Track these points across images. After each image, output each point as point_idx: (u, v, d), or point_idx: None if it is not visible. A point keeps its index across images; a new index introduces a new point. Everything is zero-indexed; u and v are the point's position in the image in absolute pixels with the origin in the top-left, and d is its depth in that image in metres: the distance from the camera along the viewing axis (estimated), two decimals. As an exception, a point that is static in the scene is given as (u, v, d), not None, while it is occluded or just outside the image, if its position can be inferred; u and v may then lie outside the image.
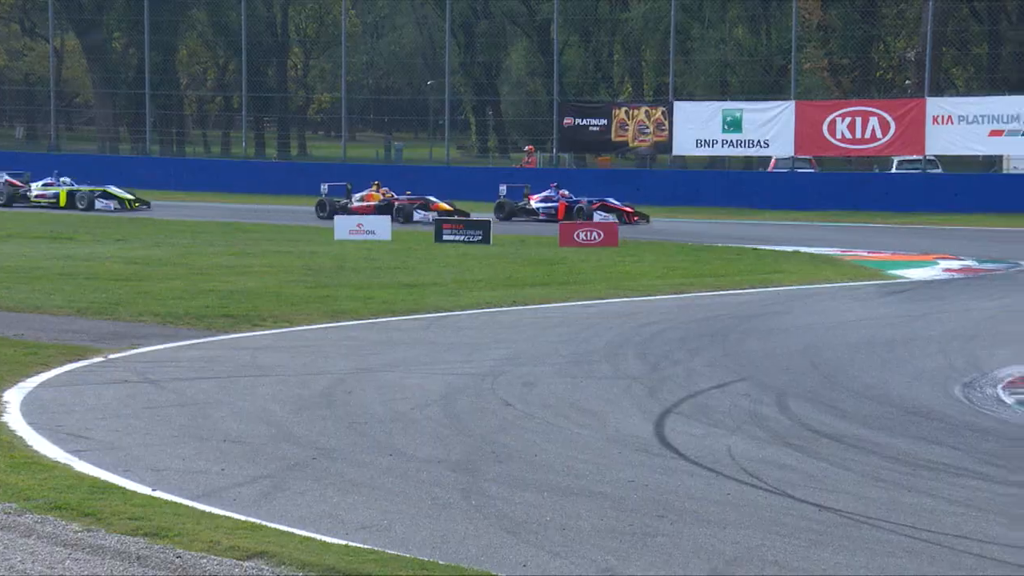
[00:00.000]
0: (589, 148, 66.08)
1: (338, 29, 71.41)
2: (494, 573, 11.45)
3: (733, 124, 60.53)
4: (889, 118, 58.15)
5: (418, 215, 52.31)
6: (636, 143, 63.39)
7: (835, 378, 20.77)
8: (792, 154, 59.78)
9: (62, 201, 58.72)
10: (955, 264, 37.54)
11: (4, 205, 60.27)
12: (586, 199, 51.40)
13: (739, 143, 60.76)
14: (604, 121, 64.23)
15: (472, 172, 66.80)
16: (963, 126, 57.16)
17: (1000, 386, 20.15)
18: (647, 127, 62.69)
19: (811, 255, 40.34)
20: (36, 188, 60.73)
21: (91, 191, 58.72)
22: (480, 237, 43.98)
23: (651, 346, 23.78)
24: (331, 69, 75.97)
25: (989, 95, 60.29)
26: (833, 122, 58.79)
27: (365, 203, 52.91)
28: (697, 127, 61.22)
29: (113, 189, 59.02)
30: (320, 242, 43.84)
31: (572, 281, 33.30)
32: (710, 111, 61.65)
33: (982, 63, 68.74)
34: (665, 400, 19.11)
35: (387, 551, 12.09)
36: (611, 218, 48.19)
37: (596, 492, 14.31)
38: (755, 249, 42.23)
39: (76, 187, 59.51)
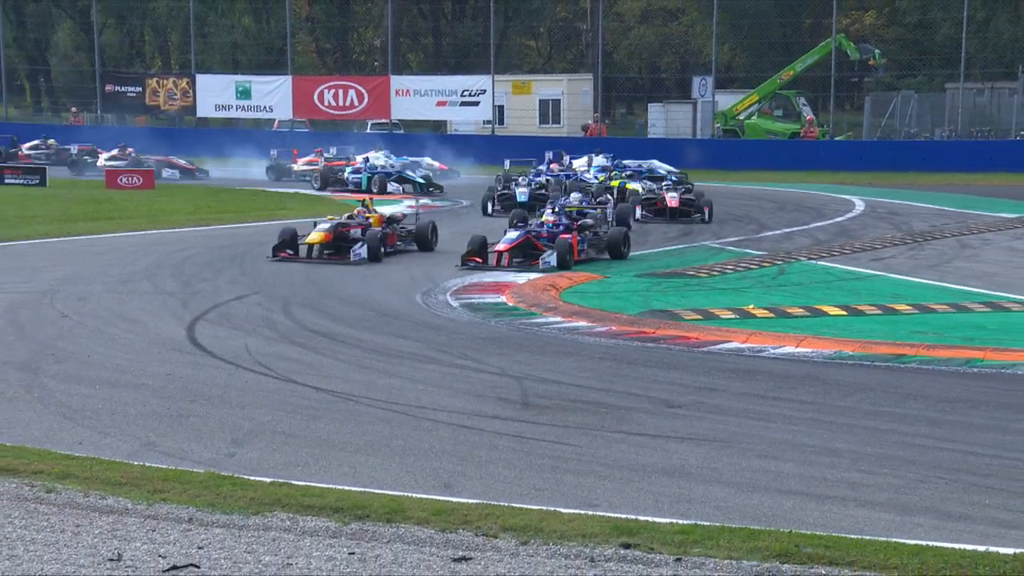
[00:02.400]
0: (128, 110, 64.23)
1: None
2: (53, 450, 11.03)
3: (244, 93, 60.01)
4: (363, 90, 58.71)
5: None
6: (166, 106, 62.28)
7: (327, 290, 20.81)
8: (291, 117, 59.79)
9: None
10: (418, 202, 37.87)
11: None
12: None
13: (250, 108, 60.44)
14: (139, 88, 62.83)
15: (23, 127, 63.64)
16: (418, 98, 58.29)
17: (448, 293, 20.59)
18: (175, 94, 61.60)
19: (308, 195, 40.18)
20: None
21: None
22: (38, 181, 41.90)
23: (183, 268, 23.31)
24: None
25: (435, 75, 61.73)
26: (321, 93, 58.98)
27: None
28: (215, 95, 60.44)
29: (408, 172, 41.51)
30: None
31: (117, 217, 32.24)
32: (225, 82, 60.86)
33: (429, 50, 70.12)
34: (195, 310, 18.78)
35: (-39, 437, 11.54)
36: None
37: (140, 384, 13.95)
38: (265, 191, 41.83)
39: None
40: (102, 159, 47.38)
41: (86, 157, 48.70)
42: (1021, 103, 50.14)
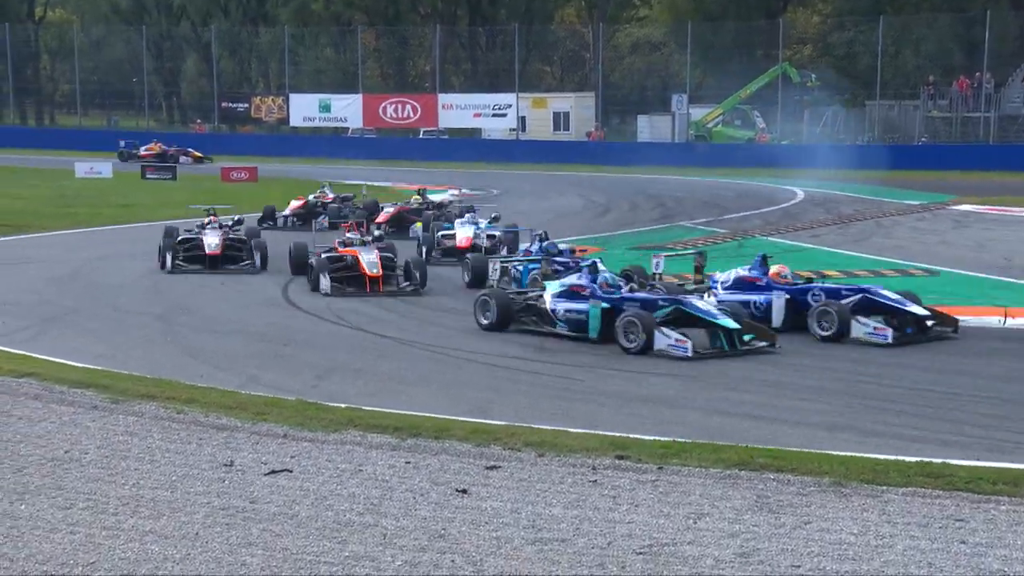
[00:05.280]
0: (238, 121, 64.04)
1: (72, 45, 67.93)
2: (182, 381, 11.05)
3: (325, 107, 59.67)
4: (418, 105, 58.43)
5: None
6: (267, 118, 62.07)
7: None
8: (362, 126, 59.47)
9: None
10: (455, 190, 37.37)
11: None
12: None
13: (329, 119, 60.12)
14: (247, 105, 62.65)
15: (161, 135, 63.53)
16: (458, 111, 58.02)
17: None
18: (273, 108, 61.41)
19: (382, 187, 39.62)
20: None
21: None
22: (171, 176, 41.77)
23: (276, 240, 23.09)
24: (68, 71, 71.70)
25: (471, 92, 61.40)
26: (385, 107, 58.61)
27: None
28: (304, 109, 60.05)
29: None
30: (66, 178, 40.81)
31: (231, 202, 32.02)
32: (311, 99, 60.43)
33: (468, 73, 69.89)
34: (288, 275, 18.57)
35: (114, 370, 11.59)
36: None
37: (247, 331, 14.00)
38: (331, 181, 41.30)
39: None
40: None
41: None
42: (922, 116, 49.69)
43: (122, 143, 50.22)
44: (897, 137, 50.47)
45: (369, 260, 16.78)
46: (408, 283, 16.90)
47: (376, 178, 42.33)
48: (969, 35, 52.56)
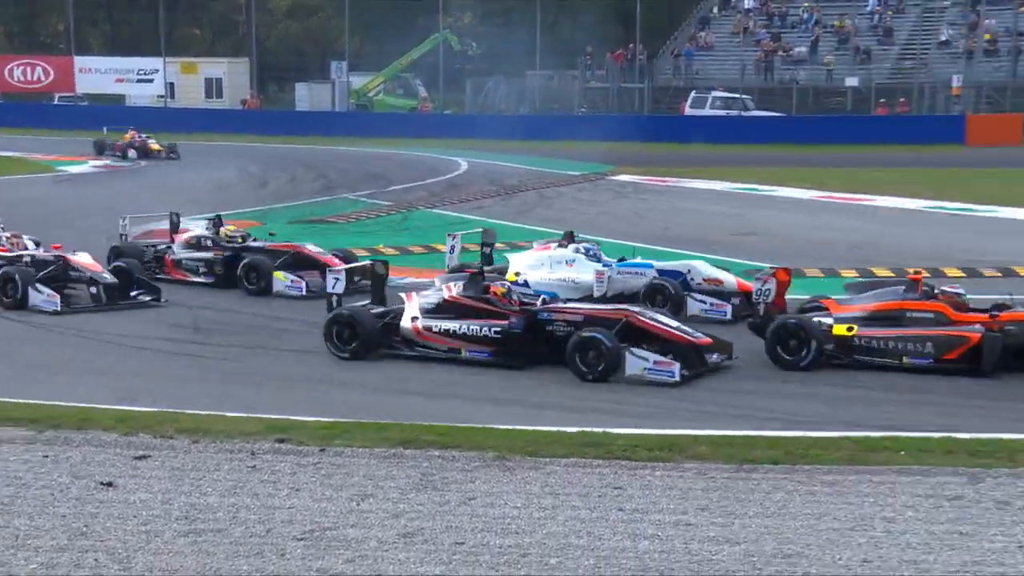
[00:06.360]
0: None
1: None
2: None
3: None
4: (50, 68, 55.61)
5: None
6: None
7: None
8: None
9: None
10: (100, 162, 35.55)
11: None
12: None
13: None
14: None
15: None
16: (99, 75, 55.62)
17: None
18: None
19: (7, 156, 36.96)
20: None
21: None
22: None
23: None
24: None
25: (113, 55, 58.79)
26: (11, 69, 55.34)
27: None
28: None
29: None
30: None
31: None
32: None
33: (108, 34, 66.76)
34: None
35: None
36: None
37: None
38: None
39: None
40: None
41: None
42: (581, 86, 52.19)
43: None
44: (557, 108, 52.66)
45: None
46: None
47: (2, 147, 39.54)
48: (624, 8, 55.53)
